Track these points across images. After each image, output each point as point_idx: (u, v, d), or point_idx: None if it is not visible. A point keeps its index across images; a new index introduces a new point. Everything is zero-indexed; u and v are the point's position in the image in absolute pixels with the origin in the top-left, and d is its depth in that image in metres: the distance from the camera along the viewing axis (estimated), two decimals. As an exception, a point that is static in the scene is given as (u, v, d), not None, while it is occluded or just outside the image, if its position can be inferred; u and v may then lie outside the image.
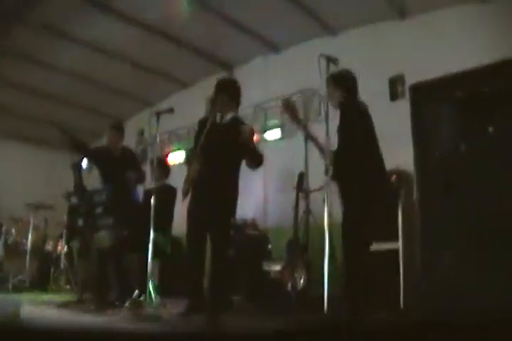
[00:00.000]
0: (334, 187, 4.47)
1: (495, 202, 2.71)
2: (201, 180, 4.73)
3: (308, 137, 4.62)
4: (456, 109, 2.98)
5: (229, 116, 4.96)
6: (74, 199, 6.67)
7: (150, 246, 4.89)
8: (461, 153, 2.75)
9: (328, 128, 4.39)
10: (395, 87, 6.82)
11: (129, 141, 10.84)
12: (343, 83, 4.67)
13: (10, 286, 7.84)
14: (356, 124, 4.39)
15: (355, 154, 4.30)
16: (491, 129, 2.78)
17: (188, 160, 5.12)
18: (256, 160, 4.86)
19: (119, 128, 6.47)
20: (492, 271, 2.71)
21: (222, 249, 4.79)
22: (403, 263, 4.99)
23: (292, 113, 4.73)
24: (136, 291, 5.64)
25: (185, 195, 4.85)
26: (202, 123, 5.04)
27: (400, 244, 5.05)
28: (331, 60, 4.39)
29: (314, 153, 4.87)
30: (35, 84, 9.72)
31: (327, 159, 4.33)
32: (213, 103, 5.04)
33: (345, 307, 4.02)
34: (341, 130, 4.39)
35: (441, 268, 2.63)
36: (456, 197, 2.68)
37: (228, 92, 5.01)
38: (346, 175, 4.31)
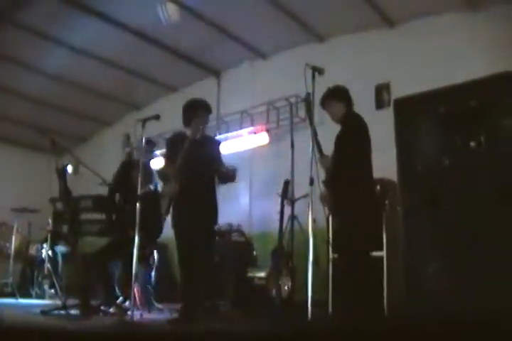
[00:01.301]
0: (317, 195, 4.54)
1: (476, 214, 2.76)
2: (188, 192, 4.83)
3: (314, 141, 4.67)
4: (439, 123, 3.02)
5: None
6: (59, 205, 6.66)
7: (135, 251, 4.88)
8: (444, 166, 2.79)
9: (313, 134, 4.44)
10: (381, 95, 6.88)
11: (116, 144, 10.88)
12: (343, 97, 4.77)
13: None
14: (360, 137, 4.47)
15: (353, 165, 4.35)
16: (472, 144, 2.83)
17: (164, 177, 5.24)
18: (227, 180, 5.15)
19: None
20: (475, 282, 2.75)
21: (212, 257, 4.95)
22: (387, 271, 5.05)
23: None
24: (121, 297, 5.65)
25: (168, 212, 5.03)
26: (176, 140, 5.20)
27: (384, 253, 5.11)
28: (316, 69, 4.43)
29: (300, 159, 4.92)
30: (21, 88, 9.65)
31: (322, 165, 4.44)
32: (203, 122, 5.19)
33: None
34: (344, 142, 4.47)
35: (424, 279, 2.67)
36: (439, 209, 2.72)
37: (210, 111, 5.31)
38: (341, 184, 4.37)
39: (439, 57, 6.39)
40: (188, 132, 5.08)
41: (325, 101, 4.75)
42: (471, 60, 6.01)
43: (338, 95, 4.75)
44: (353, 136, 4.48)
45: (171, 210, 5.02)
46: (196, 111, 5.15)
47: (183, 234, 4.89)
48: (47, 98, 10.16)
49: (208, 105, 5.27)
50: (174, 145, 5.10)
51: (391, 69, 6.83)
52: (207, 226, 4.96)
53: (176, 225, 4.93)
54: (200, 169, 4.93)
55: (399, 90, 6.51)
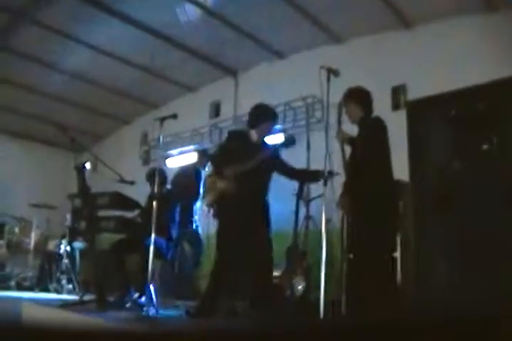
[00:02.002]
0: (333, 195, 4.57)
1: (487, 215, 2.78)
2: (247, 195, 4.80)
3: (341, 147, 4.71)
4: (452, 125, 3.04)
5: None
6: (77, 201, 6.75)
7: (151, 249, 4.96)
8: (456, 168, 2.82)
9: (327, 135, 4.47)
10: (397, 96, 6.89)
11: (134, 142, 10.99)
12: (363, 100, 4.76)
13: (13, 285, 7.96)
14: (380, 140, 4.50)
15: (373, 168, 4.38)
16: (485, 146, 2.85)
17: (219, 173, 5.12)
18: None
19: None
20: (486, 282, 2.78)
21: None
22: (401, 272, 5.09)
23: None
24: (137, 292, 5.74)
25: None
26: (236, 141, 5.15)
27: (398, 254, 5.16)
28: (331, 71, 4.45)
29: (316, 160, 4.95)
30: (41, 85, 9.79)
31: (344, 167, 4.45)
32: (269, 130, 5.29)
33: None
34: (364, 145, 4.49)
35: (435, 279, 2.70)
36: (450, 210, 2.75)
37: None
38: (362, 187, 4.38)
39: (456, 59, 6.39)
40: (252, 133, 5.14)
41: (344, 102, 4.78)
42: (488, 62, 6.01)
43: (356, 97, 4.75)
44: (373, 140, 4.49)
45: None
46: (268, 116, 5.20)
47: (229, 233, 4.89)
48: (67, 96, 10.30)
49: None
50: (231, 146, 5.14)
51: (408, 71, 6.84)
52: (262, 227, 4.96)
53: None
54: (263, 173, 5.02)
55: (416, 92, 6.54)
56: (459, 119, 3.43)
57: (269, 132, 5.28)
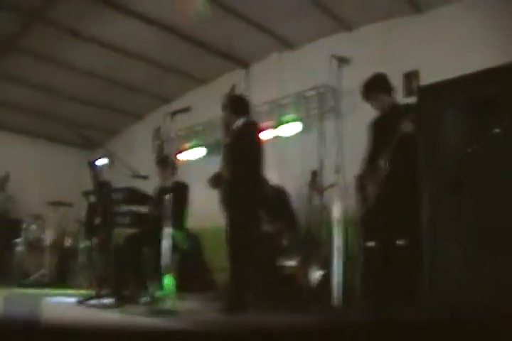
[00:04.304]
0: (347, 184, 4.52)
1: (499, 203, 2.73)
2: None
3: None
4: (464, 110, 2.98)
5: None
6: (92, 198, 6.78)
7: (165, 241, 4.94)
8: (468, 154, 2.77)
9: (340, 125, 4.42)
10: (409, 82, 6.81)
11: (147, 137, 10.99)
12: (387, 85, 4.71)
13: (31, 282, 8.01)
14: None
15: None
16: (497, 131, 2.79)
17: None
18: None
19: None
20: (498, 272, 2.73)
21: None
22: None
23: None
24: (154, 286, 5.74)
25: None
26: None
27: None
28: (342, 60, 4.39)
29: (329, 149, 4.90)
30: (53, 83, 9.82)
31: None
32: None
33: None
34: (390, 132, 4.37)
35: (445, 268, 2.66)
36: (460, 197, 2.69)
37: None
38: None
39: (468, 43, 6.29)
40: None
41: (369, 94, 4.68)
42: (503, 46, 5.91)
43: (380, 84, 4.70)
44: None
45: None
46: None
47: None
48: (79, 93, 10.31)
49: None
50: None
51: (420, 57, 6.75)
52: None
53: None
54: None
55: (428, 78, 6.45)
56: (470, 104, 3.37)
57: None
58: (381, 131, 4.56)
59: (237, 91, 5.48)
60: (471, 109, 3.02)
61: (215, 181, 5.27)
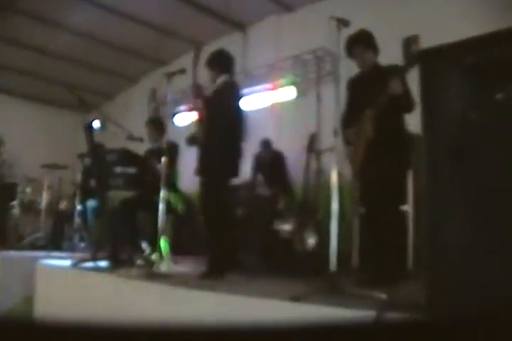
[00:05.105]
0: (343, 148, 4.45)
1: (503, 169, 2.69)
2: None
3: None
4: (466, 75, 2.92)
5: None
6: (87, 160, 6.75)
7: (161, 203, 4.92)
8: (470, 120, 2.72)
9: (338, 88, 4.32)
10: (408, 48, 6.69)
11: (142, 100, 10.90)
12: (373, 43, 4.47)
13: (26, 244, 8.04)
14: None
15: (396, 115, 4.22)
16: (500, 96, 2.72)
17: None
18: None
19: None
20: (500, 240, 2.71)
21: None
22: (413, 226, 5.06)
23: None
24: (148, 248, 5.75)
25: None
26: None
27: (410, 207, 5.10)
28: (341, 21, 4.24)
29: (327, 113, 4.83)
30: (47, 45, 9.75)
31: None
32: None
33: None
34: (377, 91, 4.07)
35: (447, 235, 2.64)
36: (464, 164, 2.66)
37: None
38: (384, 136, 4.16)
39: (474, 6, 6.15)
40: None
41: (353, 49, 4.42)
42: (507, 7, 5.79)
43: (366, 40, 4.44)
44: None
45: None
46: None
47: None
48: (74, 55, 10.24)
49: None
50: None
51: (420, 21, 6.63)
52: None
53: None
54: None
55: (429, 43, 6.33)
56: (473, 68, 3.28)
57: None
58: (363, 90, 4.37)
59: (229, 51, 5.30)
60: (475, 73, 2.95)
61: (191, 140, 5.17)
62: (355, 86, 4.51)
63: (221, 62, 5.05)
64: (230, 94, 4.91)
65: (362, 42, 4.41)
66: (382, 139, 4.05)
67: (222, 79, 4.98)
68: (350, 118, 4.36)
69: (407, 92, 4.02)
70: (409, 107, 4.06)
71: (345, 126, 4.37)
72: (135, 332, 1.16)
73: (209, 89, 5.05)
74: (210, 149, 4.79)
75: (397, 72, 3.97)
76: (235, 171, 4.87)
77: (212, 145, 4.77)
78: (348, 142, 4.43)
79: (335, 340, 1.31)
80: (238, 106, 4.98)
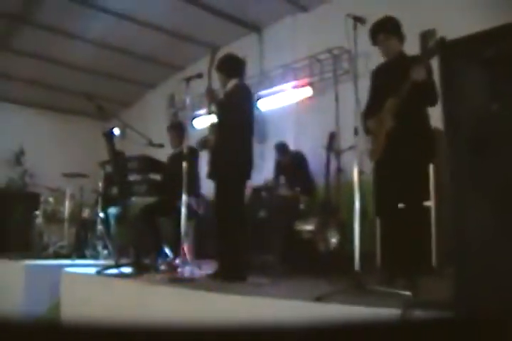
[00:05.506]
0: (364, 146, 4.37)
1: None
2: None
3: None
4: (487, 67, 2.84)
5: None
6: (108, 168, 6.77)
7: (183, 209, 4.90)
8: (492, 113, 2.64)
9: (356, 86, 4.25)
10: (426, 42, 6.63)
11: (160, 105, 10.94)
12: (398, 30, 4.30)
13: (51, 253, 8.09)
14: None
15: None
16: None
17: None
18: None
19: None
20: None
21: None
22: (435, 222, 4.98)
23: None
24: (171, 254, 5.75)
25: None
26: None
27: (432, 203, 5.02)
28: (358, 19, 4.16)
29: (345, 112, 4.79)
30: (66, 56, 9.84)
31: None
32: None
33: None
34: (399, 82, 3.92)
35: (471, 230, 2.57)
36: (486, 158, 2.59)
37: None
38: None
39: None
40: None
41: (378, 35, 4.26)
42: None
43: (391, 27, 4.28)
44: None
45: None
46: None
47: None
48: (92, 64, 10.31)
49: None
50: None
51: (437, 15, 6.55)
52: None
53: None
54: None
55: (446, 37, 6.25)
56: (493, 60, 3.21)
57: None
58: (385, 80, 4.25)
59: (241, 54, 5.28)
60: (495, 65, 2.88)
61: (203, 144, 5.17)
62: (379, 75, 4.36)
63: (230, 66, 5.04)
64: (240, 97, 4.88)
65: (386, 29, 4.24)
66: (402, 130, 3.92)
67: (232, 83, 4.96)
68: (372, 108, 4.24)
69: (432, 83, 3.85)
70: (433, 98, 3.87)
71: (367, 116, 4.26)
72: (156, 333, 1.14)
73: (221, 93, 5.04)
74: (222, 153, 4.77)
75: (420, 59, 3.84)
76: (246, 174, 4.86)
77: (223, 149, 4.76)
78: (368, 132, 4.31)
79: (361, 339, 1.28)
80: (250, 109, 4.96)
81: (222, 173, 4.79)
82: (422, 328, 1.44)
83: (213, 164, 4.85)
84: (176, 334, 1.17)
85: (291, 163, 6.96)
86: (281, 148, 7.11)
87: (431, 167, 4.75)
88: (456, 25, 6.07)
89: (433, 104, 3.92)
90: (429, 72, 3.85)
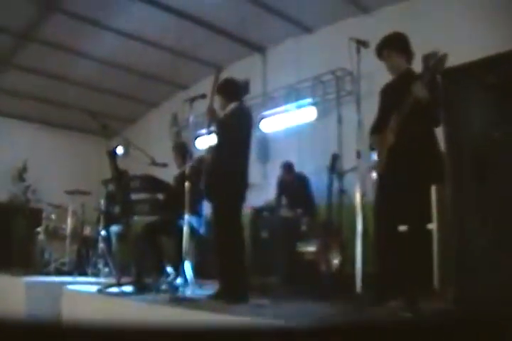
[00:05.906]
0: (366, 168, 4.39)
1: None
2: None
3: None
4: (488, 93, 2.85)
5: None
6: (111, 186, 6.79)
7: (185, 228, 4.91)
8: (493, 138, 2.65)
9: (359, 108, 4.28)
10: (428, 64, 6.65)
11: (163, 124, 10.99)
12: (404, 47, 4.22)
13: (52, 270, 8.08)
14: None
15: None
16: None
17: None
18: None
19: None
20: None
21: None
22: (438, 245, 4.97)
23: None
24: (173, 273, 5.74)
25: None
26: None
27: (434, 226, 5.02)
28: (361, 42, 4.20)
29: (348, 133, 4.82)
30: (69, 73, 9.90)
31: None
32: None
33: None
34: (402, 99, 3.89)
35: (472, 253, 2.57)
36: (487, 183, 2.60)
37: None
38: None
39: (490, 21, 6.08)
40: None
41: (382, 51, 4.21)
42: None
43: (399, 45, 4.19)
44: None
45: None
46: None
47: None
48: (95, 82, 10.36)
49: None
50: None
51: (439, 37, 6.60)
52: None
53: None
54: None
55: (449, 59, 6.29)
56: (496, 86, 3.24)
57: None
58: (391, 97, 4.20)
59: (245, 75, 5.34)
60: (498, 91, 2.90)
61: (199, 163, 5.20)
62: (387, 92, 4.33)
63: (230, 90, 5.08)
64: (239, 118, 4.91)
65: (391, 45, 4.20)
66: (404, 147, 3.87)
67: (231, 106, 5.00)
68: (379, 124, 4.24)
69: (435, 102, 3.82)
70: (436, 116, 3.89)
71: (374, 132, 4.26)
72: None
73: (221, 114, 5.08)
74: (217, 173, 4.80)
75: (421, 76, 3.83)
76: (241, 196, 4.85)
77: (218, 169, 4.80)
78: (372, 148, 4.30)
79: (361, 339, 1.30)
80: (248, 130, 4.98)
81: (217, 195, 4.81)
82: (422, 328, 1.46)
83: (208, 185, 4.87)
84: (175, 334, 1.19)
85: (293, 183, 6.98)
86: (288, 167, 7.14)
87: (433, 188, 4.75)
88: (460, 48, 6.16)
89: (436, 123, 3.93)
90: (433, 90, 3.82)
